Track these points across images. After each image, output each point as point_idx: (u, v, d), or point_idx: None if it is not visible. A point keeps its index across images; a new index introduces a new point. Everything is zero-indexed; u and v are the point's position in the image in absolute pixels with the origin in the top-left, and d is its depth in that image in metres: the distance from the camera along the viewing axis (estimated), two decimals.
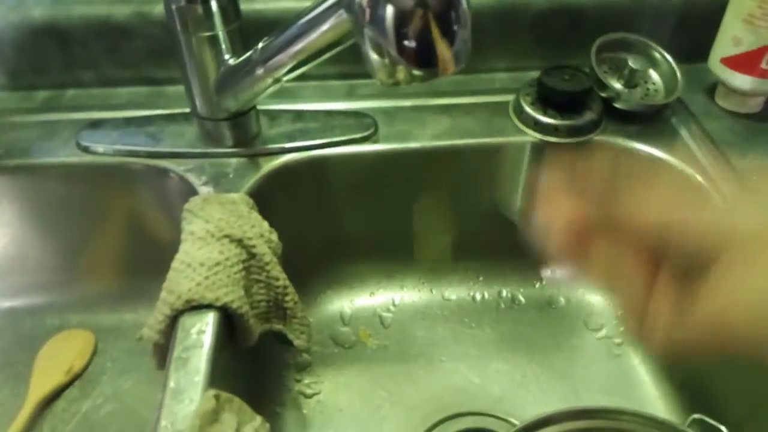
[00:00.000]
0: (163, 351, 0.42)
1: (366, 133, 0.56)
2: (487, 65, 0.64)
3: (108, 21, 0.58)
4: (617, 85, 0.57)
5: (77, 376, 0.56)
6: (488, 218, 0.61)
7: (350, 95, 0.62)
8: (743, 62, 0.55)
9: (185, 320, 0.40)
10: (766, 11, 0.52)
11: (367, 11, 0.32)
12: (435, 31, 0.31)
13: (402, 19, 0.31)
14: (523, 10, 0.60)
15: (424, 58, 0.32)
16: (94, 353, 0.58)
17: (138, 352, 0.58)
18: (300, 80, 0.60)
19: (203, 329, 0.39)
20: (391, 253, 0.64)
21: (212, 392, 0.34)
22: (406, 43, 0.31)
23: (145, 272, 0.58)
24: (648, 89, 0.58)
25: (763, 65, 0.54)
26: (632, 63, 0.57)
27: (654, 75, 0.59)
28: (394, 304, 0.64)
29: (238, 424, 0.34)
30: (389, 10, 0.31)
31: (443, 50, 0.32)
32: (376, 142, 0.56)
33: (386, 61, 0.32)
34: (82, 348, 0.58)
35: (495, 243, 0.63)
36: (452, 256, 0.65)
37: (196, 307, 0.40)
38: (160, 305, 0.41)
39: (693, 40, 0.61)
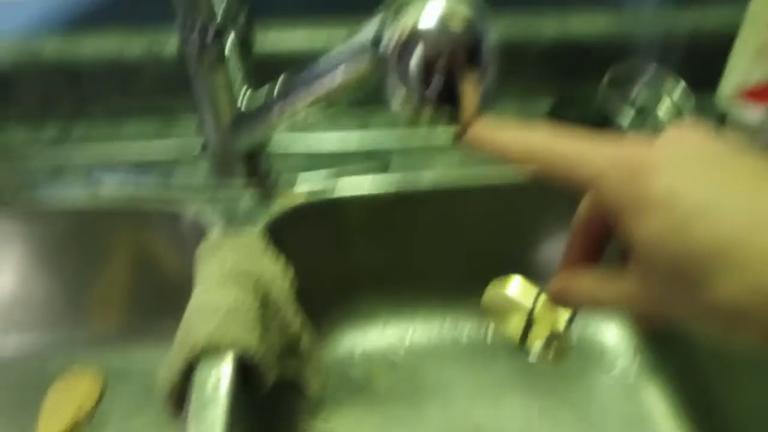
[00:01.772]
0: (177, 399, 0.41)
1: (379, 169, 0.56)
2: (498, 98, 0.64)
3: (119, 57, 0.58)
4: (628, 117, 0.57)
5: (85, 418, 0.55)
6: (501, 256, 0.61)
7: (363, 126, 0.62)
8: (754, 94, 0.55)
9: (202, 367, 0.39)
10: None
11: (394, 53, 0.31)
12: (461, 74, 0.31)
13: (429, 61, 0.31)
14: (532, 42, 0.60)
15: (450, 101, 0.31)
16: (103, 394, 0.57)
17: (146, 393, 0.57)
18: None
19: (220, 376, 0.38)
20: (403, 290, 0.63)
21: None
22: (432, 85, 0.31)
23: (154, 311, 0.58)
24: (659, 121, 0.58)
25: None
26: (642, 95, 0.57)
27: (664, 106, 0.59)
28: (406, 342, 0.63)
29: None
30: (416, 53, 0.31)
31: (469, 92, 0.31)
32: (389, 177, 0.56)
33: (411, 102, 0.32)
34: (90, 389, 0.57)
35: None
36: (465, 293, 0.64)
37: (213, 352, 0.40)
38: (176, 351, 0.40)
39: (702, 70, 0.61)
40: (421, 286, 0.63)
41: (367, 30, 0.33)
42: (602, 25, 0.61)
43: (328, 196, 0.54)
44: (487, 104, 0.32)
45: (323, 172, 0.55)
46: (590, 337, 0.62)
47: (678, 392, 0.57)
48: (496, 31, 0.59)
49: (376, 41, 0.32)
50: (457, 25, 0.31)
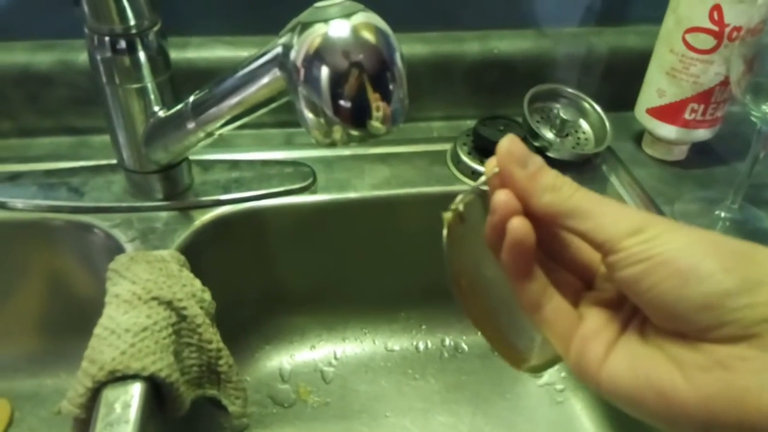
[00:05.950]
0: (84, 426, 0.39)
1: (304, 183, 0.55)
2: (424, 114, 0.64)
3: (28, 69, 0.55)
4: (549, 135, 0.58)
5: None
6: (429, 266, 0.61)
7: (288, 144, 0.61)
8: (667, 113, 0.57)
9: (108, 393, 0.37)
10: (687, 65, 0.54)
11: (302, 70, 0.31)
12: (370, 91, 0.31)
13: (337, 79, 0.30)
14: (457, 60, 0.61)
15: (360, 119, 0.31)
16: (10, 423, 0.54)
17: (59, 422, 0.53)
18: (236, 129, 0.58)
19: (128, 402, 0.37)
20: (332, 304, 0.62)
21: None
22: (341, 103, 0.31)
23: (67, 334, 0.55)
24: (579, 138, 0.60)
25: (687, 115, 0.56)
26: (563, 113, 0.58)
27: (584, 124, 0.61)
28: (335, 357, 0.62)
29: None
30: (324, 71, 0.30)
31: (379, 110, 0.31)
32: (314, 192, 0.55)
33: (321, 120, 0.31)
34: None
35: (437, 290, 0.62)
36: (394, 305, 0.64)
37: (121, 377, 0.38)
38: (81, 376, 0.38)
39: (619, 90, 0.64)
40: (351, 300, 0.62)
41: (277, 43, 0.33)
42: (524, 44, 0.62)
43: (250, 208, 0.53)
44: (398, 119, 0.32)
45: (246, 185, 0.54)
46: None
47: (602, 402, 0.58)
48: (423, 49, 0.60)
49: (286, 52, 0.31)
50: (368, 35, 0.31)
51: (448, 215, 0.27)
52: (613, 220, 0.24)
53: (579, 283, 0.28)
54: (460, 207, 0.27)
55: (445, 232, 0.27)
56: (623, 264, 0.23)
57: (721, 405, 0.22)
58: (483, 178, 0.27)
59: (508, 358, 0.29)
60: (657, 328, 0.24)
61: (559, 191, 0.25)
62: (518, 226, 0.25)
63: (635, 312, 0.26)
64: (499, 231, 0.25)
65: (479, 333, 0.29)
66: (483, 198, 0.27)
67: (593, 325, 0.26)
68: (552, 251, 0.28)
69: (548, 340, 0.27)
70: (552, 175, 0.25)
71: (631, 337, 0.25)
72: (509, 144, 0.26)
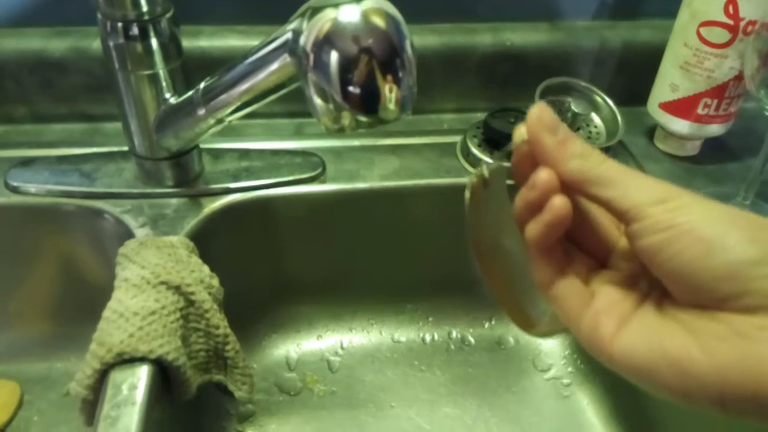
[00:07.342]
0: (92, 407, 0.39)
1: (313, 173, 0.55)
2: (435, 106, 0.64)
3: (43, 55, 0.55)
4: None
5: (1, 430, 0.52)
6: (437, 258, 0.61)
7: (298, 134, 0.61)
8: (680, 107, 0.57)
9: (115, 375, 0.37)
10: (701, 59, 0.54)
11: (311, 56, 0.31)
12: (380, 78, 0.31)
13: (347, 64, 0.30)
14: (469, 53, 0.61)
15: (369, 105, 0.31)
16: (20, 406, 0.54)
17: (68, 405, 0.54)
18: (246, 118, 0.58)
19: (135, 384, 0.37)
20: (339, 294, 0.62)
21: None
22: (350, 89, 0.31)
23: (77, 318, 0.55)
24: (590, 132, 0.60)
25: (700, 110, 0.56)
26: (574, 107, 0.58)
27: (596, 118, 0.61)
28: (342, 347, 0.62)
29: None
30: (334, 56, 0.30)
31: (388, 97, 0.31)
32: (323, 182, 0.55)
33: (330, 106, 0.32)
34: (6, 400, 0.54)
35: (444, 283, 0.63)
36: (401, 297, 0.64)
37: (129, 360, 0.38)
38: (89, 358, 0.38)
39: (632, 84, 0.63)
40: (359, 291, 0.62)
41: (287, 28, 0.33)
42: (537, 37, 0.62)
43: (259, 197, 0.53)
44: (407, 107, 0.32)
45: (255, 173, 0.54)
46: (526, 337, 0.63)
47: (609, 396, 0.57)
48: (434, 41, 0.60)
49: (296, 37, 0.32)
50: (379, 20, 0.31)
51: (472, 179, 0.27)
52: (639, 189, 0.24)
53: (592, 261, 0.28)
54: (485, 172, 0.27)
55: (467, 195, 0.27)
56: (647, 231, 0.23)
57: (736, 375, 0.21)
58: (511, 145, 0.26)
59: (518, 321, 0.29)
60: (674, 301, 0.24)
61: (587, 158, 0.25)
62: (561, 205, 0.25)
63: (651, 290, 0.26)
64: (533, 206, 0.25)
65: (494, 296, 0.29)
66: (508, 168, 0.27)
67: (606, 301, 0.26)
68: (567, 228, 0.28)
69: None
70: (580, 143, 0.25)
71: (647, 312, 0.25)
72: (540, 111, 0.26)
